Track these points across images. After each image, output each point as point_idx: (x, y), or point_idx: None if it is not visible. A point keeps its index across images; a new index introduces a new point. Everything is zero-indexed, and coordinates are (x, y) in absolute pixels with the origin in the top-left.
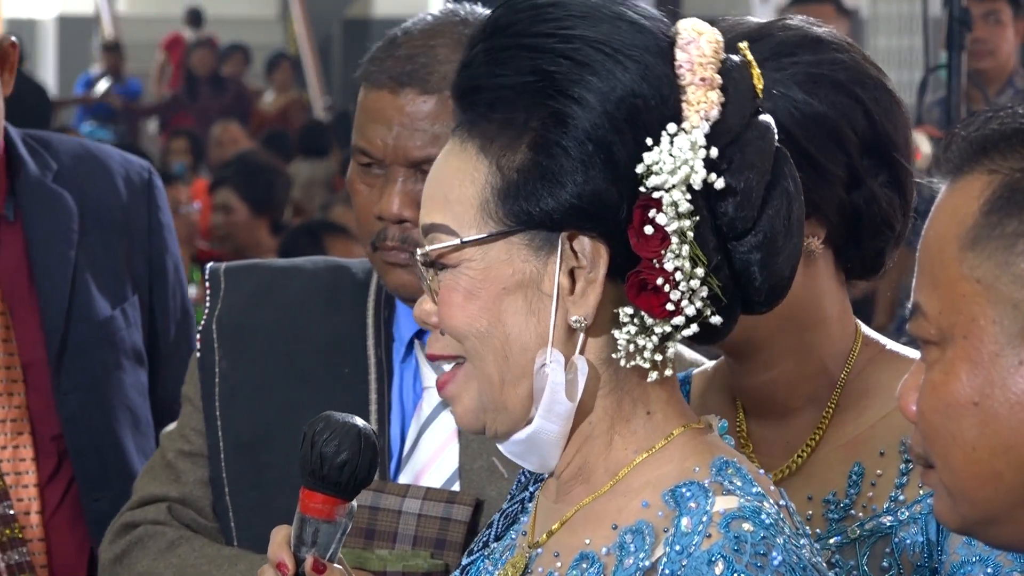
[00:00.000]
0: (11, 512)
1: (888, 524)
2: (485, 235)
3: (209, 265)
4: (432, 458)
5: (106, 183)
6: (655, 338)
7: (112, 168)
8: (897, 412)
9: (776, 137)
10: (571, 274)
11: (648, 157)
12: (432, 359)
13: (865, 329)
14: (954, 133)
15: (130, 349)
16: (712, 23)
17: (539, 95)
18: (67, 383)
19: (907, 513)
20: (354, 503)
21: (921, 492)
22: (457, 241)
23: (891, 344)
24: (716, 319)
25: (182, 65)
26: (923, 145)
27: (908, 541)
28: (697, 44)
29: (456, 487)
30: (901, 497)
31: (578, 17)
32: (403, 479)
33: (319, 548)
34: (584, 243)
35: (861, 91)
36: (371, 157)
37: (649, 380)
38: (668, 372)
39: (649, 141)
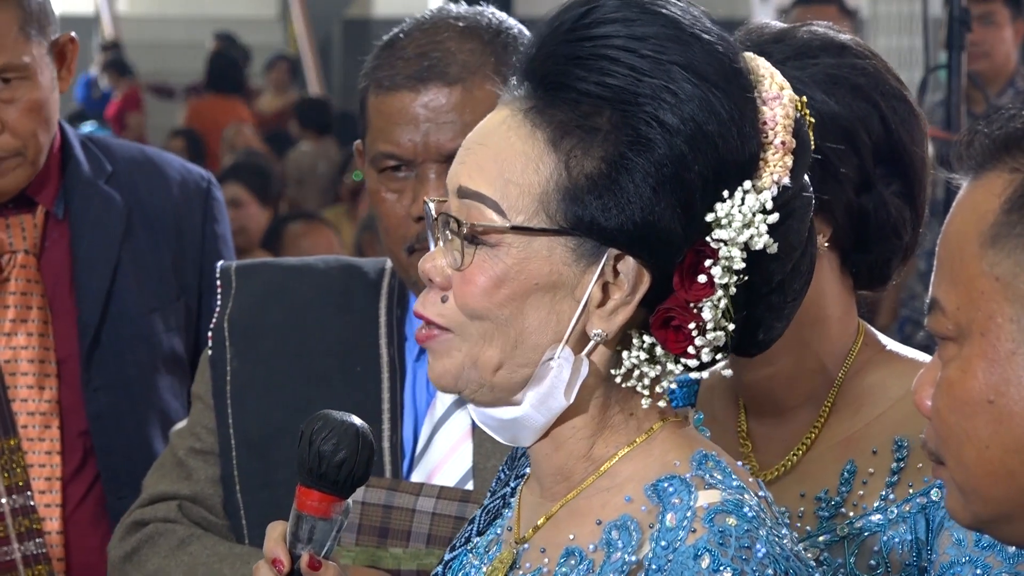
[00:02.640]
0: (31, 503)
1: (877, 523)
2: (537, 227)
3: (220, 263)
4: (445, 457)
5: (161, 189)
6: (659, 369)
7: (169, 175)
8: (892, 411)
9: (812, 200)
10: (603, 287)
11: (721, 208)
12: (420, 318)
13: (869, 329)
14: (976, 130)
15: (168, 352)
16: (734, 26)
17: (627, 114)
18: (97, 379)
19: (896, 512)
20: (350, 501)
21: (911, 491)
22: (507, 225)
23: (892, 344)
24: (727, 372)
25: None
26: None
27: (896, 540)
28: (781, 102)
29: (469, 486)
30: (891, 496)
31: (677, 43)
32: (416, 478)
33: (315, 545)
34: (629, 265)
35: (880, 98)
36: (400, 160)
37: (643, 406)
38: (661, 404)
39: (726, 193)
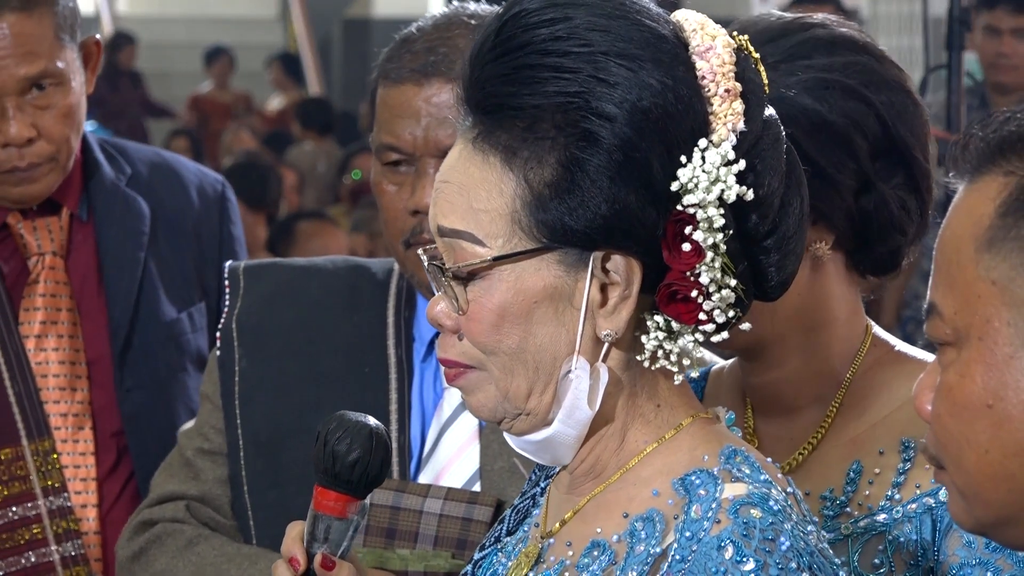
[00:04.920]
0: (68, 505)
1: (882, 522)
2: (519, 251)
3: (228, 264)
4: (453, 458)
5: (179, 192)
6: (682, 343)
7: (186, 178)
8: (899, 412)
9: (782, 131)
10: (602, 288)
11: (683, 174)
12: (446, 364)
13: (877, 330)
14: (971, 134)
15: (194, 353)
16: (728, 22)
17: (567, 115)
18: (130, 380)
19: (902, 512)
20: (367, 501)
21: (917, 491)
22: (489, 258)
23: (900, 345)
24: (746, 325)
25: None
26: None
27: (901, 539)
28: (715, 51)
29: (477, 487)
30: (897, 496)
31: (596, 31)
32: (423, 479)
33: (331, 545)
34: (618, 263)
35: (874, 95)
36: (401, 152)
37: (676, 382)
38: (694, 374)
39: (683, 159)
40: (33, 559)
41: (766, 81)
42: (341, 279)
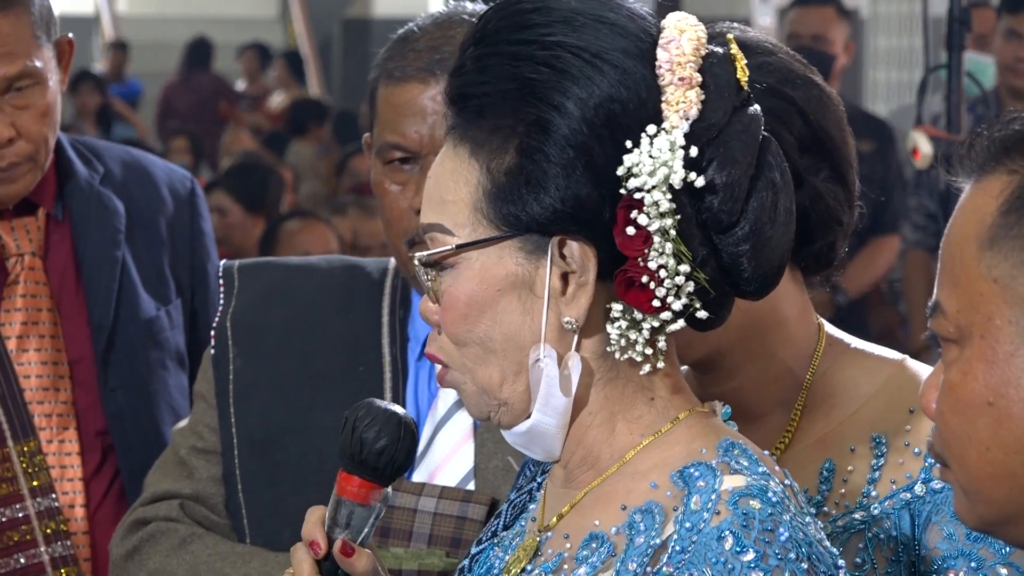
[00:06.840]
0: (56, 505)
1: (860, 519)
2: (478, 240)
3: (223, 262)
4: (447, 457)
5: (151, 190)
6: (645, 332)
7: (157, 176)
8: (865, 408)
9: (762, 127)
10: (563, 276)
11: (628, 159)
12: (429, 359)
13: (829, 328)
14: (978, 133)
15: (173, 350)
16: (723, 22)
17: (522, 102)
18: (114, 380)
19: (879, 508)
20: (389, 489)
21: (893, 487)
22: (451, 246)
23: (855, 342)
24: (703, 313)
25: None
26: (922, 145)
27: (881, 536)
28: (678, 43)
29: (471, 486)
30: (873, 492)
31: (560, 23)
32: (417, 478)
33: (352, 531)
34: (573, 248)
35: (792, 91)
36: (406, 151)
37: (642, 372)
38: (660, 364)
39: (629, 144)
40: (23, 561)
41: (744, 81)
42: (336, 278)
